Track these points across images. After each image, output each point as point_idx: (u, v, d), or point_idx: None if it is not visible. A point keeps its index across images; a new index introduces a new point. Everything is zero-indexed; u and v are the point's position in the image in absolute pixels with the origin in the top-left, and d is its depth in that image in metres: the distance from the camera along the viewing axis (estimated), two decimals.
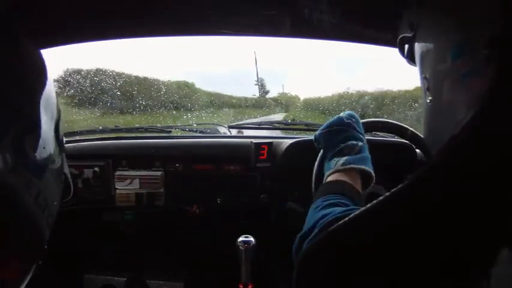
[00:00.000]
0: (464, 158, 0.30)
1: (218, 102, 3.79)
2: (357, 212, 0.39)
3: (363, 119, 0.77)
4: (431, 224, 0.30)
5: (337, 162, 0.59)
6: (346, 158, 0.59)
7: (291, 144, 1.13)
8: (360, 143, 0.62)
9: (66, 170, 0.39)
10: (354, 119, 0.67)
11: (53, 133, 0.31)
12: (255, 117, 3.07)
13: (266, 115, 3.50)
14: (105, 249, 1.35)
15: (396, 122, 0.94)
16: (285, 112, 3.52)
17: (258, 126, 1.38)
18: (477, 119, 0.32)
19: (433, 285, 0.30)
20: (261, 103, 3.78)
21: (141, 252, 1.36)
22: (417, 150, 1.09)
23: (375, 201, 0.36)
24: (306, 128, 1.41)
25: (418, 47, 0.45)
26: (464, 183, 0.29)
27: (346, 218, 0.39)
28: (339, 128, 0.65)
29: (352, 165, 0.58)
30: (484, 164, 0.29)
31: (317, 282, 0.38)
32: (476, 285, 0.29)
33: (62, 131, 0.34)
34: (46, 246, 0.32)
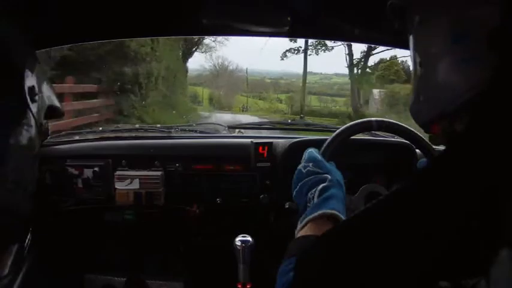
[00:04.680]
0: (464, 157, 0.30)
1: None
2: (356, 212, 0.39)
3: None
4: (431, 223, 0.30)
5: (301, 221, 0.55)
6: (306, 213, 0.55)
7: (291, 144, 1.13)
8: (321, 185, 0.57)
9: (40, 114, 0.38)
10: (312, 162, 0.64)
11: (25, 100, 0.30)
12: None
13: None
14: (105, 249, 1.35)
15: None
16: None
17: (258, 126, 1.39)
18: (477, 110, 0.32)
19: (431, 285, 0.30)
20: None
21: (141, 252, 1.36)
22: (417, 150, 1.09)
23: (374, 201, 0.36)
24: (306, 128, 1.41)
25: (411, 20, 0.44)
26: (463, 182, 0.29)
27: (345, 221, 0.39)
28: (302, 184, 0.61)
29: (309, 217, 0.53)
30: (484, 162, 0.29)
31: (315, 281, 0.38)
32: (475, 285, 0.29)
33: (28, 82, 0.33)
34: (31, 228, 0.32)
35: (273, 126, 1.39)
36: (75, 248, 1.27)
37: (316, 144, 0.99)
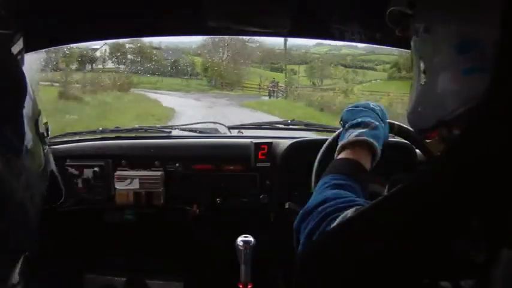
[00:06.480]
0: (462, 160, 0.30)
1: None
2: (356, 213, 0.39)
3: None
4: (430, 223, 0.30)
5: (351, 133, 0.61)
6: (360, 131, 0.61)
7: (291, 144, 1.13)
8: (377, 123, 0.64)
9: (53, 167, 0.40)
10: (379, 108, 0.70)
11: (33, 126, 0.32)
12: None
13: None
14: (105, 249, 1.35)
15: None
16: None
17: (258, 126, 1.39)
18: (474, 118, 0.32)
19: (432, 285, 0.30)
20: None
21: (141, 252, 1.36)
22: (417, 151, 1.09)
23: (374, 201, 0.36)
24: (306, 128, 1.41)
25: (416, 27, 0.44)
26: (462, 183, 0.29)
27: (345, 219, 0.39)
28: (362, 109, 0.67)
29: (365, 138, 0.59)
30: (482, 165, 0.29)
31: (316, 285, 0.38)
32: (475, 285, 0.29)
33: (41, 126, 0.35)
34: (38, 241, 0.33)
35: (272, 126, 1.39)
36: (75, 248, 1.27)
37: (316, 144, 0.99)
